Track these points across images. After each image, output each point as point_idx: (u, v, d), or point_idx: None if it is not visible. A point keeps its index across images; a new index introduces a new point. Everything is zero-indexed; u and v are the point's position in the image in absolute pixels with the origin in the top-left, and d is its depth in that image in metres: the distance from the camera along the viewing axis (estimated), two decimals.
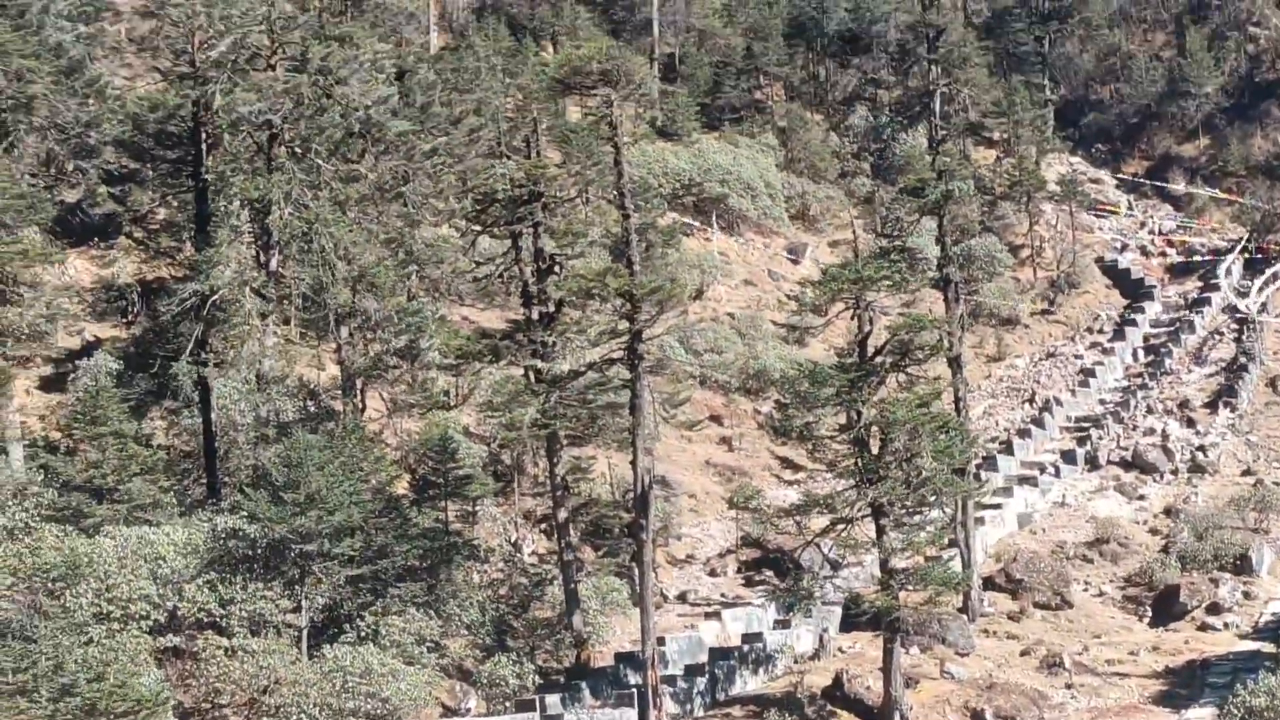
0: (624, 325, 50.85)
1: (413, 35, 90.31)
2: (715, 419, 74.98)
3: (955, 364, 63.50)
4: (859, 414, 50.30)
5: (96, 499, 50.93)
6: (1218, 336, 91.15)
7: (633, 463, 50.87)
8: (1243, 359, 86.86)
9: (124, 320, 62.78)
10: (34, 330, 58.30)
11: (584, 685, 50.62)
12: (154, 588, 48.15)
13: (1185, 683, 56.04)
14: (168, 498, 54.73)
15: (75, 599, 45.77)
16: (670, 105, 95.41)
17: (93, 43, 67.62)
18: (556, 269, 53.72)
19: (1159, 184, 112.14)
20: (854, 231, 64.01)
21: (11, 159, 58.62)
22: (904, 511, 51.63)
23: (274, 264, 59.95)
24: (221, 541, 51.42)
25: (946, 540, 57.59)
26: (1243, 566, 66.51)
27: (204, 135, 58.29)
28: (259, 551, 49.46)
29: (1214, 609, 63.76)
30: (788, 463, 67.38)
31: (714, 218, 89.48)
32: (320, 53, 60.19)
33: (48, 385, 61.27)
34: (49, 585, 45.26)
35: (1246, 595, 64.66)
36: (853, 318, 52.53)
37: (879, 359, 51.68)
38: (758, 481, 70.06)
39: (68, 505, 50.42)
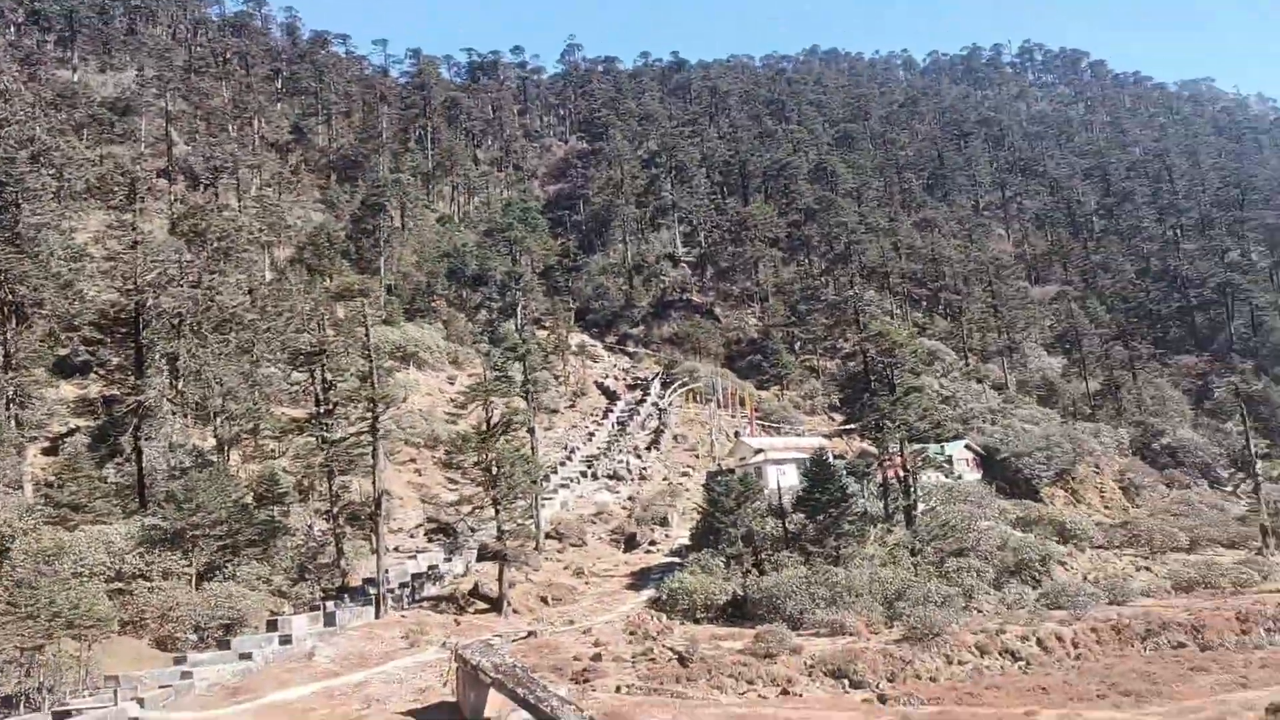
0: (368, 414, 48.63)
1: (258, 272, 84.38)
2: (413, 460, 72.67)
3: (531, 431, 63.97)
4: (487, 455, 49.54)
5: (75, 511, 45.55)
6: (650, 416, 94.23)
7: (372, 483, 48.52)
8: (661, 426, 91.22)
9: (93, 416, 56.58)
10: (41, 422, 52.35)
11: (346, 596, 48.62)
12: (107, 557, 43.13)
13: (641, 578, 58.83)
14: (117, 510, 48.98)
15: (61, 567, 40.07)
16: (390, 307, 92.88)
17: (79, 272, 60.88)
18: (333, 386, 51.43)
19: (622, 347, 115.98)
20: (482, 369, 63.09)
21: (28, 332, 52.33)
22: (507, 501, 50.58)
23: (180, 387, 55.25)
24: (148, 531, 50.74)
25: (528, 515, 56.44)
26: (666, 522, 68.48)
27: (140, 320, 53.27)
28: (169, 535, 45.01)
29: (653, 543, 67.83)
30: (452, 481, 65.62)
31: (411, 363, 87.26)
32: (208, 280, 56.21)
33: (47, 452, 54.99)
34: (46, 559, 40.12)
35: (667, 536, 67.80)
36: (484, 409, 51.55)
37: (495, 428, 50.70)
38: (435, 490, 68.12)
39: (58, 516, 44.86)
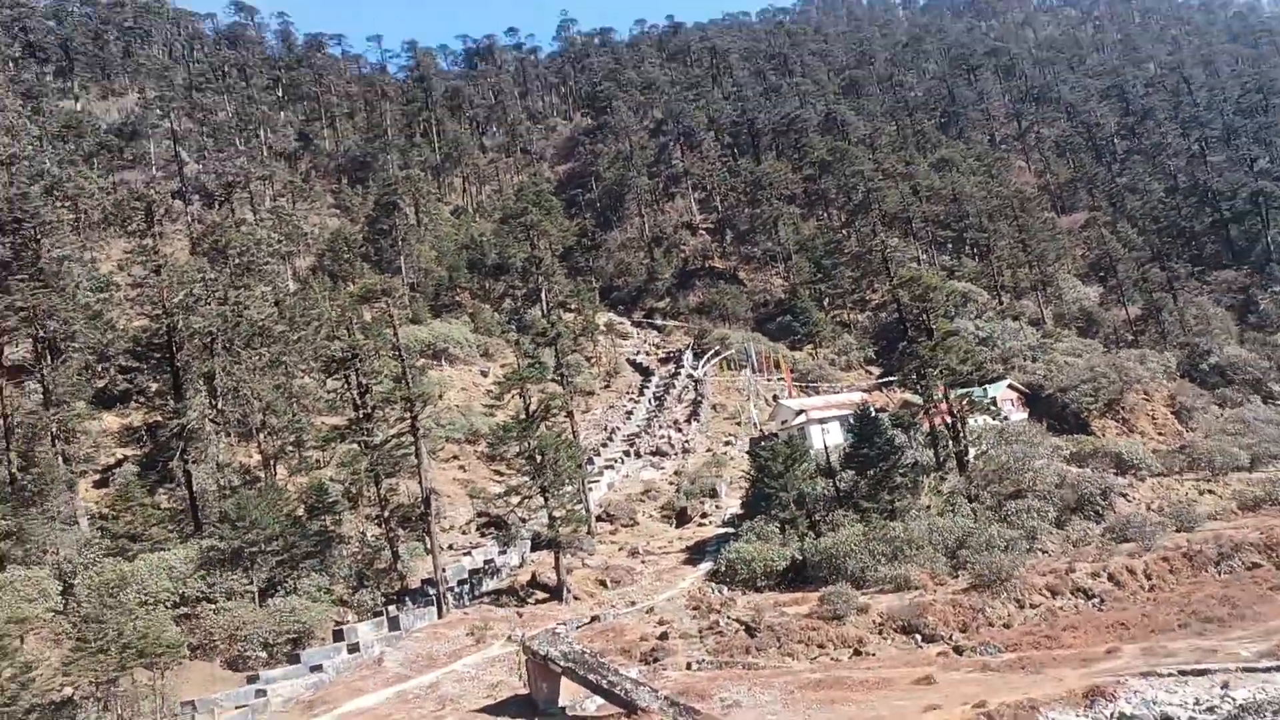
0: (407, 415, 48.70)
1: (282, 283, 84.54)
2: (455, 457, 72.85)
3: (569, 415, 63.60)
4: (530, 444, 49.39)
5: (132, 541, 46.02)
6: (686, 389, 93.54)
7: (419, 482, 48.51)
8: (699, 398, 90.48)
9: (139, 445, 57.28)
10: (89, 456, 52.94)
11: (407, 599, 48.67)
12: (170, 583, 43.49)
13: (697, 551, 58.44)
14: (173, 535, 49.68)
15: (126, 597, 40.42)
16: (416, 306, 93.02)
17: (107, 302, 61.05)
18: (369, 391, 51.46)
19: (650, 321, 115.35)
20: (514, 357, 62.76)
21: (64, 367, 52.55)
22: (555, 488, 50.41)
23: (219, 406, 55.53)
24: (206, 553, 51.20)
25: (577, 500, 56.34)
26: (714, 493, 68.03)
27: (173, 343, 53.38)
28: (227, 555, 45.41)
29: (704, 515, 67.15)
30: (498, 473, 65.68)
31: (443, 359, 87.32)
32: (233, 297, 56.31)
33: (99, 485, 55.70)
34: (110, 591, 40.17)
35: (717, 507, 66.96)
36: (520, 397, 51.32)
37: (535, 415, 50.46)
38: (482, 484, 68.35)
39: (116, 547, 45.52)
